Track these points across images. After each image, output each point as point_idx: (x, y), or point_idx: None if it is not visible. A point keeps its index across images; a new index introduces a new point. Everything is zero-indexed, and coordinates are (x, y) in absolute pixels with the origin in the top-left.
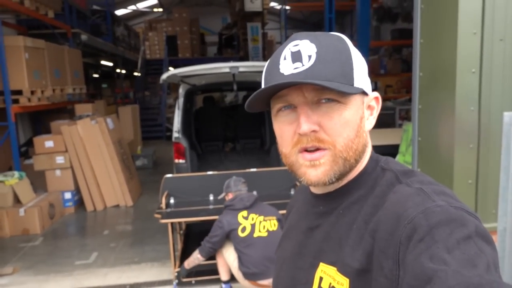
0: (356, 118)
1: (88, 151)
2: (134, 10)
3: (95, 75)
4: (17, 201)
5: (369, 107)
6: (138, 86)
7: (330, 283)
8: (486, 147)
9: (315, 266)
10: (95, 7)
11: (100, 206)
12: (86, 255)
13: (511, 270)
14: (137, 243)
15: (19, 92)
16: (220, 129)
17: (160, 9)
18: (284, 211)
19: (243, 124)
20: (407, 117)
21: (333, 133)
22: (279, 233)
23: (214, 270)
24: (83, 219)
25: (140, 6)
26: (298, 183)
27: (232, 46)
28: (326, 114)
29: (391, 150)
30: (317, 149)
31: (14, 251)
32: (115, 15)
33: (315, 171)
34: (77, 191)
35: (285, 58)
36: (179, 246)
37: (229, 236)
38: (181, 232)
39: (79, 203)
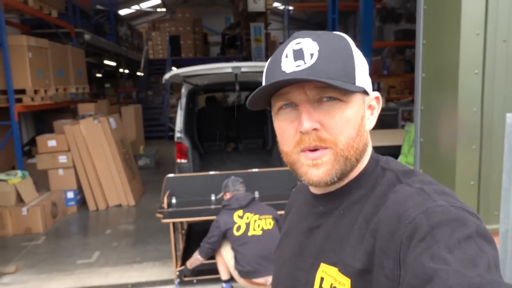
0: (357, 117)
1: (91, 151)
2: (137, 10)
3: (98, 75)
4: (20, 200)
5: (370, 107)
6: (141, 86)
7: (332, 284)
8: (489, 148)
9: (316, 267)
10: (98, 6)
11: (102, 205)
12: (88, 254)
13: None
14: (139, 243)
15: (23, 91)
16: (222, 129)
17: (164, 9)
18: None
19: (246, 124)
20: (410, 118)
21: (334, 132)
22: (274, 232)
23: (215, 270)
24: (86, 218)
25: (144, 6)
26: (299, 183)
27: (235, 46)
28: (327, 112)
29: (394, 151)
30: (319, 149)
31: (16, 250)
32: (119, 15)
33: (317, 170)
34: (79, 190)
35: (287, 56)
36: (181, 245)
37: (225, 235)
38: (183, 231)
39: (82, 202)
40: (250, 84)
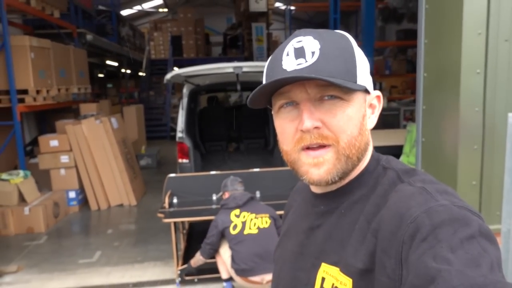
0: (359, 116)
1: (93, 151)
2: (139, 11)
3: (100, 75)
4: (22, 199)
5: (371, 106)
6: (143, 86)
7: (333, 284)
8: (491, 148)
9: (317, 267)
10: (100, 7)
11: (104, 205)
12: (89, 254)
13: None
14: (141, 242)
15: (25, 92)
16: (224, 129)
17: (165, 10)
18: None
19: (247, 124)
20: (411, 118)
21: (336, 130)
22: (270, 231)
23: (216, 269)
24: (87, 218)
25: (146, 6)
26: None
27: (236, 47)
28: (329, 111)
29: (395, 151)
30: (320, 146)
31: (18, 250)
32: (121, 15)
33: (318, 170)
34: (81, 190)
35: (288, 54)
36: (182, 245)
37: (223, 234)
38: (184, 231)
39: (83, 202)
40: (251, 84)
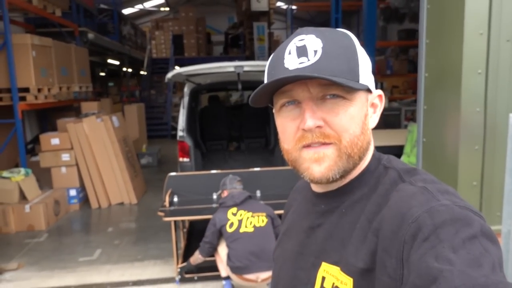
0: (361, 115)
1: (94, 149)
2: (141, 9)
3: (102, 74)
4: (23, 197)
5: (373, 105)
6: (144, 85)
7: (333, 283)
8: (492, 148)
9: (317, 266)
10: (102, 6)
11: (104, 203)
12: (90, 252)
13: None
14: (141, 241)
15: (26, 90)
16: (225, 128)
17: (167, 8)
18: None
19: (248, 123)
20: (413, 118)
21: (339, 129)
22: (266, 229)
23: (215, 267)
24: (88, 216)
25: (147, 5)
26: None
27: (238, 46)
28: (331, 110)
29: (396, 151)
30: (322, 144)
31: (19, 247)
32: (122, 14)
33: (319, 166)
34: (82, 188)
35: (290, 53)
36: (182, 243)
37: (221, 232)
38: (185, 230)
39: (84, 200)
40: (252, 83)
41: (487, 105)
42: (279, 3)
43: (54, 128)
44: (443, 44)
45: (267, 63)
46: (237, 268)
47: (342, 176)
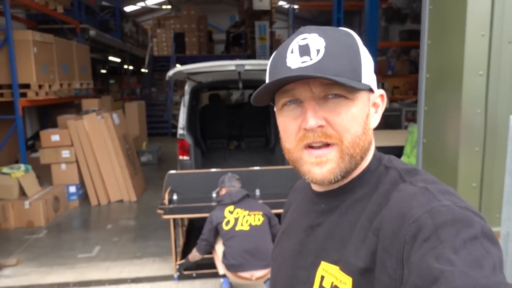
0: (363, 115)
1: (94, 146)
2: (142, 7)
3: (103, 71)
4: (22, 193)
5: (375, 105)
6: (145, 83)
7: (332, 282)
8: (492, 150)
9: (316, 265)
10: (104, 3)
11: (104, 200)
12: (89, 249)
13: None
14: (140, 238)
15: (27, 86)
16: (225, 127)
17: (169, 6)
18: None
19: (248, 122)
20: (413, 118)
21: (340, 129)
22: (262, 228)
23: (213, 264)
24: (87, 213)
25: (149, 3)
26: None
27: (239, 45)
28: (333, 109)
29: (396, 152)
30: (324, 145)
31: (18, 243)
32: (124, 12)
33: (321, 169)
34: (82, 185)
35: (292, 52)
36: (181, 241)
37: (217, 230)
38: (184, 228)
39: (84, 197)
40: (253, 82)
41: (487, 106)
42: (281, 2)
43: (54, 125)
44: (445, 45)
45: (269, 61)
46: (232, 266)
47: (344, 177)
